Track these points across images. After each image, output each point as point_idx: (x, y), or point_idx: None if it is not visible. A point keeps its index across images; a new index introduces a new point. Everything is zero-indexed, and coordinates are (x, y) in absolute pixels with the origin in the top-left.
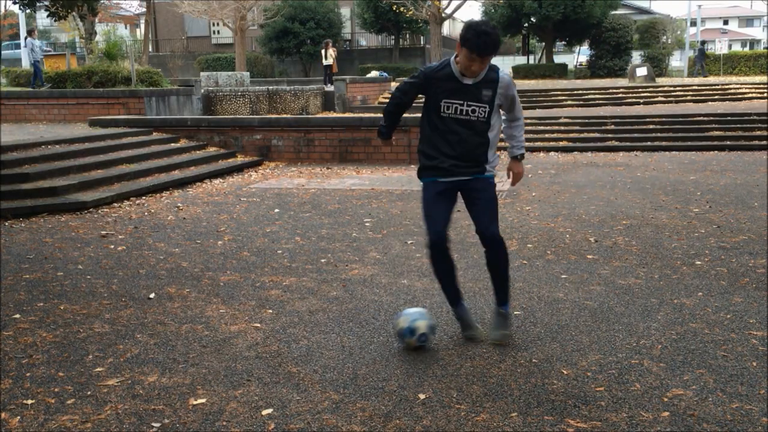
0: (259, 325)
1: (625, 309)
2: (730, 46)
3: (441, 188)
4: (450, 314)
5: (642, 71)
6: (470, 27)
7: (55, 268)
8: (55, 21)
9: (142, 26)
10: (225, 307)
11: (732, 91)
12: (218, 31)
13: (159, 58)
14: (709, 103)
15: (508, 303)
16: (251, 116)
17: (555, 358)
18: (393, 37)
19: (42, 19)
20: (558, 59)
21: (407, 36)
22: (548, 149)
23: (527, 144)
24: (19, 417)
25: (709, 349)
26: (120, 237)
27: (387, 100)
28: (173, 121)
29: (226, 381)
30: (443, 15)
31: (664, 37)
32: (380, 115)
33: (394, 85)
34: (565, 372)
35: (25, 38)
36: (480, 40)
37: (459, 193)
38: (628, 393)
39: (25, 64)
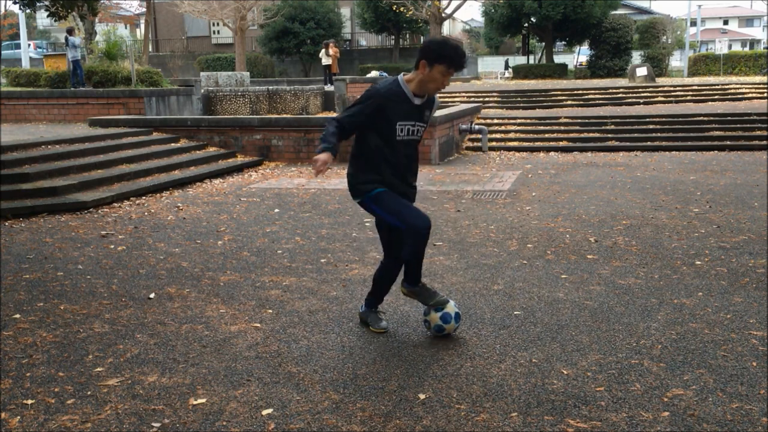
0: (259, 325)
1: (625, 309)
2: (730, 46)
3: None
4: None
5: (642, 71)
6: (445, 45)
7: (55, 268)
8: (55, 21)
9: (142, 26)
10: (225, 307)
11: (732, 91)
12: (218, 31)
13: (159, 58)
14: (709, 103)
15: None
16: (251, 116)
17: (555, 358)
18: (393, 37)
19: (42, 19)
20: (558, 59)
21: (407, 36)
22: (548, 149)
23: (527, 144)
24: (19, 417)
25: (709, 349)
26: (120, 237)
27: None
28: (173, 121)
29: (226, 381)
30: (443, 15)
31: (664, 37)
32: None
33: None
34: (565, 372)
35: (66, 37)
36: (460, 56)
37: None
38: (628, 393)
39: (23, 64)
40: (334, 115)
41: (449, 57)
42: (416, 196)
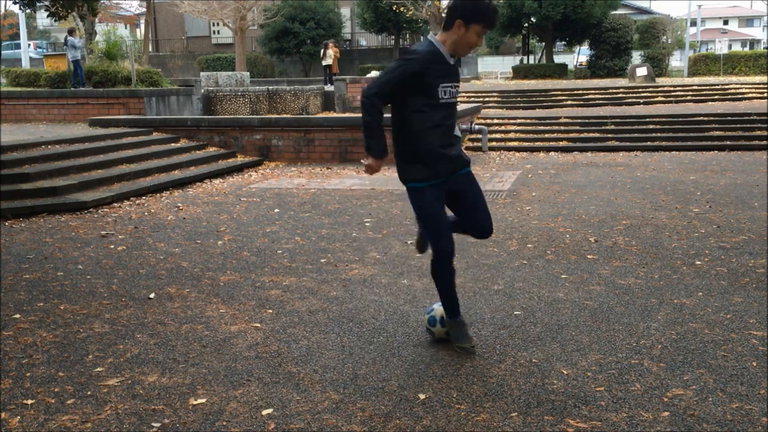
0: (259, 325)
1: (625, 309)
2: (730, 46)
3: (439, 190)
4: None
5: (642, 71)
6: (481, 2)
7: (55, 268)
8: (55, 21)
9: (142, 26)
10: (225, 307)
11: (732, 91)
12: (218, 31)
13: (159, 58)
14: (709, 103)
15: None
16: (251, 116)
17: (555, 358)
18: (393, 37)
19: (42, 19)
20: (558, 59)
21: (407, 36)
22: (548, 149)
23: (528, 144)
24: (19, 417)
25: (709, 349)
26: (120, 237)
27: (364, 107)
28: (173, 121)
29: (226, 381)
30: (443, 15)
31: (664, 37)
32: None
33: None
34: (565, 372)
35: (65, 37)
36: (494, 12)
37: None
38: (628, 393)
39: (23, 64)
40: (331, 115)
41: (486, 15)
42: (477, 182)
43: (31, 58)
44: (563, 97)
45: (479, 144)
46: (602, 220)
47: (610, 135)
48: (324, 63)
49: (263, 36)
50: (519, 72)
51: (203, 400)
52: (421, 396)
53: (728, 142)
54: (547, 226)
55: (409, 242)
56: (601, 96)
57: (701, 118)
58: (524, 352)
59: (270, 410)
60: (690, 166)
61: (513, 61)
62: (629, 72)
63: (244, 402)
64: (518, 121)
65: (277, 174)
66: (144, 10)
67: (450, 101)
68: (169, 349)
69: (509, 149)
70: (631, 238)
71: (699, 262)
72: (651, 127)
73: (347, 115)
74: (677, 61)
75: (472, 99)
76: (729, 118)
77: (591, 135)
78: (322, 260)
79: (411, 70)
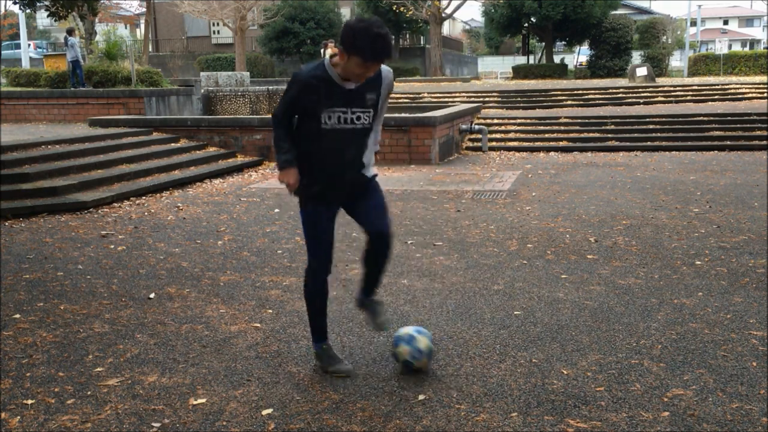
0: (259, 325)
1: (625, 309)
2: (730, 46)
3: (328, 210)
4: (449, 313)
5: (642, 71)
6: (361, 32)
7: (55, 268)
8: (55, 21)
9: (142, 26)
10: (225, 307)
11: (732, 91)
12: (218, 31)
13: (159, 58)
14: (709, 103)
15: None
16: (251, 116)
17: (555, 358)
18: (393, 37)
19: (42, 19)
20: (558, 59)
21: (407, 36)
22: (548, 149)
23: (527, 144)
24: (19, 417)
25: (709, 349)
26: (120, 237)
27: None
28: (173, 121)
29: (226, 381)
30: (443, 15)
31: (664, 37)
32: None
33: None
34: (565, 372)
35: (65, 37)
36: (376, 46)
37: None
38: (628, 393)
39: (23, 64)
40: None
41: (364, 51)
42: (379, 188)
43: (31, 58)
44: (563, 97)
45: (479, 144)
46: (602, 220)
47: (610, 135)
48: None
49: (263, 36)
50: (519, 72)
51: (203, 400)
52: (421, 396)
53: (728, 142)
54: (547, 226)
55: (409, 242)
56: (601, 96)
57: (701, 118)
58: (524, 352)
59: (270, 410)
60: (690, 166)
61: (513, 61)
62: (629, 72)
63: (244, 402)
64: (518, 121)
65: (277, 174)
66: (144, 10)
67: (344, 128)
68: (169, 349)
69: (509, 149)
70: (631, 238)
71: (699, 262)
72: (651, 127)
73: None
74: (677, 61)
75: (472, 99)
76: (729, 118)
77: (591, 135)
78: None
79: (292, 99)
